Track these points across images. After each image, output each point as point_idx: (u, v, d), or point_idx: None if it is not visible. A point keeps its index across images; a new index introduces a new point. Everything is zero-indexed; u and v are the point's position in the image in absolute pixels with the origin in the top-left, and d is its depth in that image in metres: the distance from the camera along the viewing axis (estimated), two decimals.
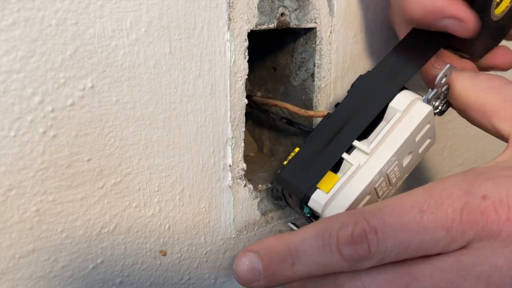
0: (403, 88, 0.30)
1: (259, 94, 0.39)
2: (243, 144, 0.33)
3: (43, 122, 0.25)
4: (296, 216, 0.38)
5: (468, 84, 0.29)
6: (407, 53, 0.32)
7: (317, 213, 0.29)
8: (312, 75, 0.36)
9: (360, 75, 0.31)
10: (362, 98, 0.30)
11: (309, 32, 0.35)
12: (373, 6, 0.37)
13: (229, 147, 0.32)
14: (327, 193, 0.29)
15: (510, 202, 0.22)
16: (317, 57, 0.35)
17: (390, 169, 0.29)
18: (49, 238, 0.26)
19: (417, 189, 0.24)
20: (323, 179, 0.29)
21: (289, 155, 0.31)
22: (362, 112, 0.30)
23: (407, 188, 0.26)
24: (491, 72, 0.33)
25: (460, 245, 0.22)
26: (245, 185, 0.34)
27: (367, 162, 0.29)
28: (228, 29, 0.30)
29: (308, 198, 0.29)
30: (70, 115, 0.25)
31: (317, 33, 0.34)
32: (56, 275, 0.27)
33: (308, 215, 0.30)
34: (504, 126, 0.27)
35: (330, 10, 0.35)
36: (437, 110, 0.31)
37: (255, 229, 0.36)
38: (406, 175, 0.32)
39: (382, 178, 0.29)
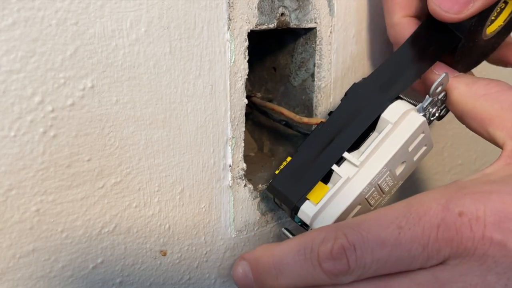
0: (398, 97, 0.30)
1: (258, 95, 0.39)
2: (243, 144, 0.33)
3: (43, 122, 0.25)
4: None
5: (465, 90, 0.29)
6: (403, 63, 0.31)
7: (306, 223, 0.30)
8: (312, 75, 0.36)
9: (354, 83, 0.31)
10: (355, 108, 0.30)
11: (309, 32, 0.35)
12: (373, 6, 0.37)
13: (229, 147, 0.32)
14: (316, 204, 0.29)
15: (487, 220, 0.21)
16: (317, 57, 0.35)
17: (382, 179, 0.29)
18: (49, 238, 0.26)
19: (398, 203, 0.24)
20: (313, 190, 0.29)
21: (281, 163, 0.31)
22: (353, 123, 0.29)
23: (403, 190, 0.26)
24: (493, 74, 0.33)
25: (437, 261, 0.22)
26: (245, 185, 0.34)
27: (357, 174, 0.29)
28: (228, 29, 0.30)
29: (298, 209, 0.29)
30: (70, 115, 0.25)
31: (317, 33, 0.34)
32: (56, 275, 0.27)
33: (300, 223, 0.30)
34: (499, 135, 0.27)
35: (330, 10, 0.35)
36: (435, 117, 0.31)
37: (255, 229, 0.36)
38: (401, 182, 0.31)
39: (373, 188, 0.29)
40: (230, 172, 0.33)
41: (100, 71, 0.26)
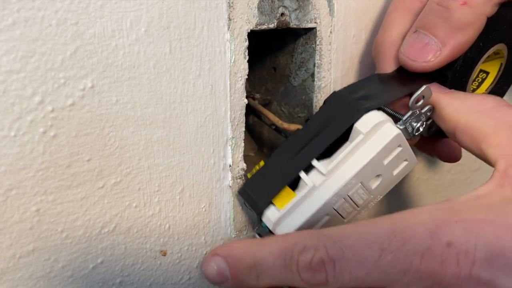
0: (379, 108, 0.29)
1: (257, 96, 0.39)
2: (243, 144, 0.33)
3: (43, 122, 0.25)
4: None
5: (459, 105, 0.28)
6: (388, 80, 0.31)
7: (268, 229, 0.30)
8: (312, 75, 0.36)
9: (334, 92, 0.30)
10: (331, 116, 0.29)
11: (309, 32, 0.35)
12: (373, 6, 0.37)
13: (229, 147, 0.32)
14: (280, 209, 0.29)
15: (477, 255, 0.20)
16: (317, 57, 0.35)
17: (352, 191, 0.28)
18: (49, 238, 0.26)
19: (384, 220, 0.23)
20: (279, 195, 0.29)
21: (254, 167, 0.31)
22: (326, 131, 0.29)
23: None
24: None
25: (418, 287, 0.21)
26: None
27: (324, 183, 0.28)
28: (228, 29, 0.30)
29: (262, 213, 0.30)
30: (70, 115, 0.25)
31: (317, 33, 0.34)
32: (56, 275, 0.27)
33: (267, 229, 0.30)
34: (492, 153, 0.25)
35: (330, 10, 0.35)
36: (419, 132, 0.29)
37: (255, 229, 0.36)
38: (380, 197, 0.31)
39: (342, 200, 0.28)
40: (230, 172, 0.33)
41: (100, 71, 0.26)
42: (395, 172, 0.30)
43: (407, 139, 0.29)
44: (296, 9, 0.33)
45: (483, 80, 0.32)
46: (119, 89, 0.27)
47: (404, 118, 0.29)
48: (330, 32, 0.35)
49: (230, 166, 0.33)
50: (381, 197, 0.31)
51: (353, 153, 0.28)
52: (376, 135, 0.28)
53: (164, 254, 0.32)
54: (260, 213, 0.30)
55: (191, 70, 0.29)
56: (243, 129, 0.33)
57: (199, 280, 0.34)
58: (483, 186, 0.24)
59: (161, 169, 0.30)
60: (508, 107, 0.27)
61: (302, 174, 0.29)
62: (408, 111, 0.29)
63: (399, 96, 0.30)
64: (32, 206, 0.25)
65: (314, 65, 0.35)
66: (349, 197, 0.29)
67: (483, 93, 0.32)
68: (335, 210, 0.29)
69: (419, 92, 0.28)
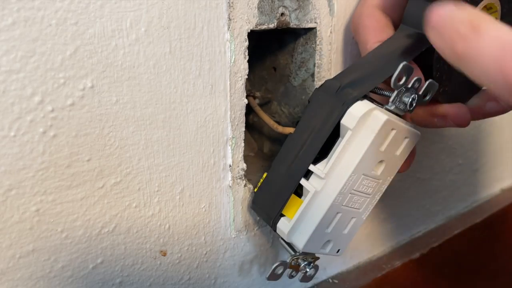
0: (364, 97, 0.28)
1: (258, 94, 0.39)
2: (243, 144, 0.33)
3: (43, 122, 0.25)
4: None
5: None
6: (366, 66, 0.29)
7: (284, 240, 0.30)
8: (312, 75, 0.36)
9: (316, 89, 0.30)
10: (316, 116, 0.29)
11: (309, 32, 0.35)
12: None
13: (229, 147, 0.32)
14: (291, 220, 0.29)
15: None
16: (317, 57, 0.35)
17: (357, 184, 0.28)
18: (49, 238, 0.26)
19: None
20: (288, 204, 0.29)
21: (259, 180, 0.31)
22: (314, 134, 0.28)
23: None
24: None
25: None
26: (245, 185, 0.34)
27: (325, 187, 0.28)
28: (228, 29, 0.30)
29: (275, 226, 0.30)
30: (70, 115, 0.25)
31: (317, 33, 0.34)
32: (56, 275, 0.27)
33: (284, 241, 0.30)
34: None
35: (330, 10, 0.34)
36: (413, 106, 0.28)
37: (255, 229, 0.36)
38: (391, 178, 0.30)
39: (349, 195, 0.28)
40: (230, 172, 0.33)
41: (100, 71, 0.26)
42: (398, 152, 0.29)
43: (403, 115, 0.29)
44: (296, 9, 0.33)
45: None
46: (119, 89, 0.27)
47: (391, 99, 0.28)
48: (330, 32, 0.35)
49: (230, 166, 0.33)
50: (392, 177, 0.30)
51: (345, 150, 0.27)
52: (364, 127, 0.27)
53: (164, 254, 0.32)
54: (273, 227, 0.30)
55: (191, 70, 0.29)
56: (243, 129, 0.33)
57: (199, 280, 0.34)
58: None
59: (161, 169, 0.30)
60: None
61: (303, 181, 0.29)
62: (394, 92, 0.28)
63: (380, 81, 0.28)
64: (32, 206, 0.25)
65: (314, 65, 0.35)
66: (356, 190, 0.28)
67: None
68: (345, 206, 0.29)
69: (397, 72, 0.26)
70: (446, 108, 0.32)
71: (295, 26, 0.33)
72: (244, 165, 0.33)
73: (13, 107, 0.23)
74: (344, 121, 0.27)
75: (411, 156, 0.32)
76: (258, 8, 0.31)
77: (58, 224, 0.27)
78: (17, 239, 0.25)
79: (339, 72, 0.37)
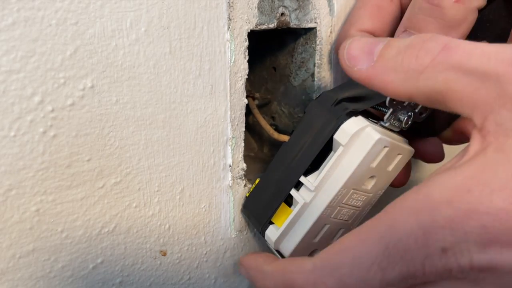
0: (360, 112, 0.28)
1: (257, 95, 0.39)
2: (243, 144, 0.33)
3: (43, 122, 0.25)
4: None
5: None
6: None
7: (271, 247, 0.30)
8: (312, 75, 0.36)
9: (312, 101, 0.30)
10: (311, 128, 0.29)
11: (309, 32, 0.35)
12: None
13: (229, 147, 0.32)
14: (279, 228, 0.29)
15: (472, 250, 0.20)
16: (317, 57, 0.35)
17: (346, 198, 0.28)
18: (49, 238, 0.26)
19: (370, 235, 0.22)
20: (277, 213, 0.30)
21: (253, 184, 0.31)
22: (308, 145, 0.28)
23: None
24: None
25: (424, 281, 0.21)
26: (245, 185, 0.34)
27: (314, 199, 0.28)
28: (228, 29, 0.30)
29: (264, 233, 0.30)
30: (70, 115, 0.25)
31: (317, 33, 0.34)
32: (56, 275, 0.27)
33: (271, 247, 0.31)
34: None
35: (330, 10, 0.34)
36: (408, 124, 0.28)
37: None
38: (381, 192, 0.30)
39: (338, 208, 0.28)
40: (230, 172, 0.33)
41: (100, 71, 0.26)
42: (390, 168, 0.29)
43: (397, 131, 0.29)
44: (296, 9, 0.33)
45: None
46: (119, 89, 0.27)
47: (386, 116, 0.28)
48: (330, 32, 0.35)
49: (230, 166, 0.33)
50: (383, 191, 0.30)
51: (336, 165, 0.27)
52: (356, 144, 0.27)
53: (164, 254, 0.32)
54: (262, 233, 0.31)
55: (191, 70, 0.29)
56: (243, 129, 0.33)
57: (199, 280, 0.34)
58: (461, 157, 0.22)
59: (161, 169, 0.30)
60: None
61: (293, 191, 0.29)
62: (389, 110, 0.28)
63: (377, 101, 0.28)
64: (32, 206, 0.25)
65: (314, 65, 0.35)
66: (345, 204, 0.29)
67: None
68: (334, 218, 0.29)
69: None
70: (423, 147, 0.33)
71: (295, 26, 0.33)
72: (244, 165, 0.33)
73: (13, 107, 0.23)
74: (337, 136, 0.27)
75: (407, 171, 0.32)
76: (258, 8, 0.31)
77: (58, 224, 0.27)
78: (17, 239, 0.25)
79: (339, 72, 0.37)
